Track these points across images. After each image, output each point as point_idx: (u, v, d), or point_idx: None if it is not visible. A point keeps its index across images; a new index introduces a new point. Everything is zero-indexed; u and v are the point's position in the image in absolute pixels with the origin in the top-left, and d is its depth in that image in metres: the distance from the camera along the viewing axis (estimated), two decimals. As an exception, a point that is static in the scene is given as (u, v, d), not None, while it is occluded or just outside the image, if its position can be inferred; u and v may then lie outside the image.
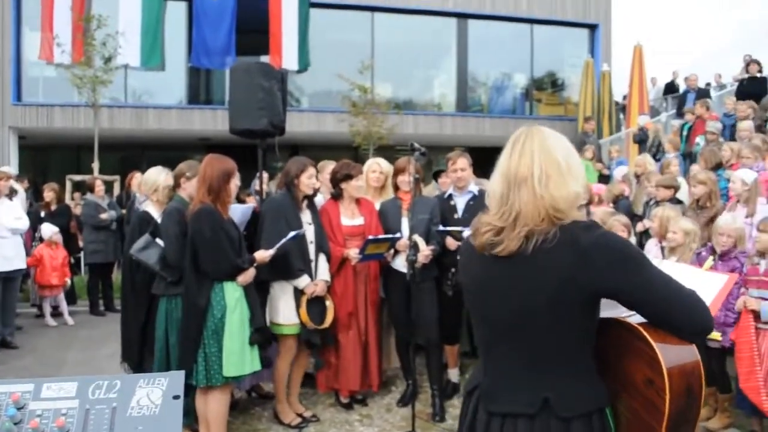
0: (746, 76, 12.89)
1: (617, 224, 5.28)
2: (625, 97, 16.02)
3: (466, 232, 4.49)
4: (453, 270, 4.95)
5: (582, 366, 1.71)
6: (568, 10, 18.29)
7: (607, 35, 18.49)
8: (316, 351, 4.74)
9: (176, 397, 1.62)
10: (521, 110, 18.67)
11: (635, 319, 1.72)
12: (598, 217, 6.12)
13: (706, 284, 2.53)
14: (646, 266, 1.65)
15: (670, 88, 16.06)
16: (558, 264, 1.63)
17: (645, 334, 1.63)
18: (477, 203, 4.99)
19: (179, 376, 1.67)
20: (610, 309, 1.75)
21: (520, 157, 1.74)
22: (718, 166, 7.01)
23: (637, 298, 1.63)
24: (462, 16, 17.79)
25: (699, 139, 9.24)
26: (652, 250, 5.16)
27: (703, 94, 13.38)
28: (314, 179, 4.69)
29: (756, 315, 4.19)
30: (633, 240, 5.68)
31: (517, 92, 18.96)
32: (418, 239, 4.68)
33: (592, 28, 18.62)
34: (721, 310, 4.44)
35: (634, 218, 6.47)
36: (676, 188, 6.37)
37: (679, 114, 12.11)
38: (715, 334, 2.51)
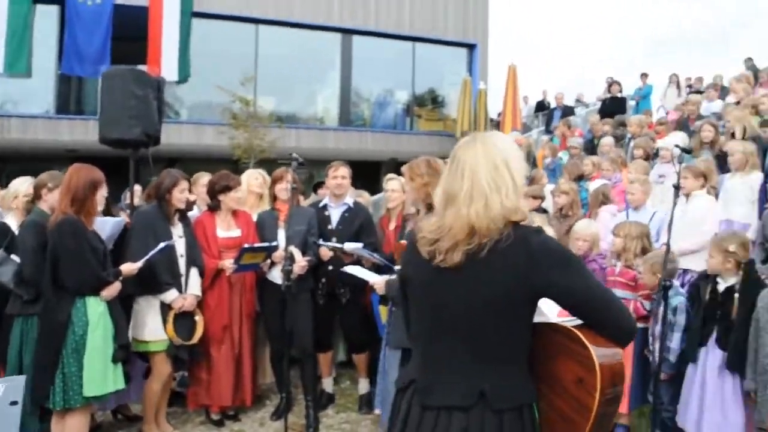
0: (608, 96, 13.91)
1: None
2: (499, 114, 16.79)
3: (348, 246, 4.56)
4: (324, 280, 4.98)
5: (518, 362, 1.81)
6: (449, 29, 18.98)
7: (484, 55, 19.33)
8: (183, 367, 4.57)
9: (14, 403, 1.55)
10: (402, 125, 19.12)
11: (568, 325, 1.82)
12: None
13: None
14: (582, 269, 1.80)
15: (541, 106, 17.02)
16: (509, 264, 1.72)
17: (580, 335, 1.74)
18: (351, 215, 5.06)
19: (18, 381, 1.59)
20: (541, 315, 1.86)
21: (454, 176, 1.83)
22: (579, 178, 7.50)
23: (579, 299, 1.75)
24: (347, 32, 18.00)
25: (562, 154, 9.86)
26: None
27: (568, 111, 14.30)
28: (186, 193, 4.56)
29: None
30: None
31: (398, 108, 19.40)
32: (294, 250, 4.65)
33: (471, 47, 19.41)
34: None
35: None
36: (543, 198, 6.74)
37: (548, 130, 12.84)
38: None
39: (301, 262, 4.69)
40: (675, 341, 4.15)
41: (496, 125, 16.58)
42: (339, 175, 5.06)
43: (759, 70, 11.61)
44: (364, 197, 6.06)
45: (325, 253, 4.88)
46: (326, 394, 5.38)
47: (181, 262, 4.50)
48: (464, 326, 1.78)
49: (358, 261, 4.72)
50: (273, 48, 17.20)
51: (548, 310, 1.84)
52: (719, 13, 66.29)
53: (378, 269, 4.50)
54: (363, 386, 5.32)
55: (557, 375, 1.78)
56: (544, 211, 6.56)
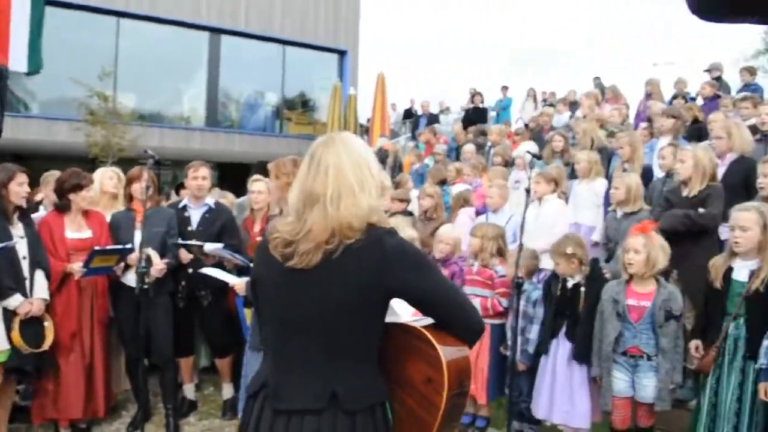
0: (471, 106, 14.51)
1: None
2: (368, 120, 17.03)
3: (207, 247, 4.42)
4: (183, 282, 4.81)
5: (369, 362, 1.80)
6: (320, 34, 19.01)
7: (354, 61, 19.55)
8: (27, 379, 4.21)
9: None
10: (272, 128, 18.90)
11: (417, 325, 1.83)
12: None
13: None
14: (437, 270, 1.86)
15: (408, 113, 17.46)
16: (365, 264, 1.70)
17: (429, 335, 1.76)
18: (212, 216, 4.92)
19: None
20: (394, 315, 1.86)
21: (316, 175, 1.78)
22: (443, 182, 7.76)
23: (430, 299, 1.78)
24: (215, 31, 17.53)
25: (428, 160, 10.18)
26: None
27: (433, 119, 14.78)
28: (26, 187, 4.20)
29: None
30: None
31: (268, 110, 19.15)
32: (152, 252, 4.45)
33: (341, 53, 19.56)
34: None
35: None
36: (408, 201, 6.92)
37: (414, 137, 13.17)
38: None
39: (159, 265, 4.49)
40: (534, 332, 4.43)
41: (366, 131, 16.80)
42: (199, 175, 4.90)
43: (605, 88, 12.62)
44: (228, 198, 5.91)
45: (185, 255, 4.71)
46: (188, 401, 5.17)
47: (24, 265, 4.15)
48: (317, 327, 1.75)
49: (219, 263, 4.59)
50: (135, 43, 16.39)
51: (402, 310, 1.85)
52: (571, 35, 71.46)
53: (241, 271, 4.40)
54: (227, 391, 5.17)
55: (407, 375, 1.81)
56: (410, 213, 6.72)
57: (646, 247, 3.79)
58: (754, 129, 5.92)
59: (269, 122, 19.08)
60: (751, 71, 10.43)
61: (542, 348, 4.36)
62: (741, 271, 3.55)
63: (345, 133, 1.90)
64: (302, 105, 19.68)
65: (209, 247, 4.45)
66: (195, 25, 17.10)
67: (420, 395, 1.76)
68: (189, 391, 5.22)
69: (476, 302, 4.60)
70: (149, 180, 4.48)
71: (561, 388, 4.21)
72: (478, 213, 6.42)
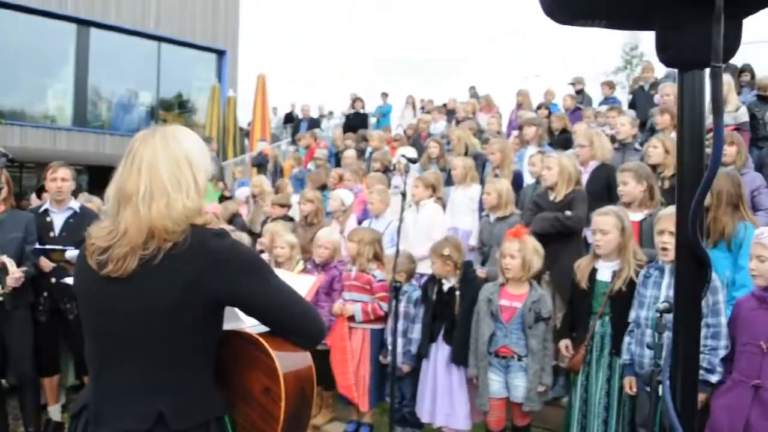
0: (352, 111, 14.62)
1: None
2: (249, 123, 16.74)
3: (70, 253, 4.13)
4: (45, 294, 4.49)
5: (200, 376, 1.67)
6: (197, 33, 18.43)
7: (233, 62, 19.13)
8: None
9: None
10: (146, 129, 18.06)
11: (255, 331, 1.74)
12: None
13: (297, 285, 2.75)
14: (271, 276, 1.71)
15: (289, 117, 17.31)
16: (186, 269, 1.58)
17: (264, 343, 1.67)
18: (77, 221, 4.62)
19: None
20: (233, 321, 1.76)
21: (129, 173, 1.64)
22: (323, 187, 7.76)
23: (262, 305, 1.68)
24: (83, 23, 16.51)
25: (310, 165, 10.14)
26: (264, 264, 5.42)
27: (314, 124, 14.76)
28: None
29: (350, 317, 4.71)
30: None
31: (142, 111, 18.31)
32: (7, 260, 4.11)
33: (220, 53, 19.07)
34: (328, 314, 4.89)
35: (253, 236, 6.73)
36: (289, 206, 6.85)
37: (294, 141, 13.09)
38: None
39: (15, 274, 4.14)
40: (416, 332, 4.51)
41: (246, 134, 16.49)
42: (58, 176, 4.59)
43: (480, 98, 13.14)
44: (94, 203, 5.58)
45: (46, 263, 4.39)
46: (53, 423, 4.80)
47: None
48: (137, 342, 1.61)
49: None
50: (-8, 32, 15.16)
51: (244, 316, 1.76)
52: (449, 47, 73.93)
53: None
54: None
55: (247, 385, 1.72)
56: (291, 219, 6.66)
57: (521, 252, 3.97)
58: (612, 138, 6.40)
59: (143, 123, 18.16)
60: (611, 85, 11.27)
61: (422, 352, 4.44)
62: (604, 272, 3.79)
63: (171, 127, 1.75)
64: (179, 106, 18.98)
65: (71, 253, 4.17)
66: (61, 15, 16.02)
67: (260, 406, 1.68)
68: (54, 412, 4.83)
69: (357, 307, 4.64)
70: (3, 181, 4.14)
71: (442, 391, 4.32)
72: (359, 219, 6.48)
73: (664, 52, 1.05)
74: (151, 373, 1.62)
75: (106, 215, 1.70)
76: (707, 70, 1.01)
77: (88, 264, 1.65)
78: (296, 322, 1.71)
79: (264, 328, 1.74)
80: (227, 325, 1.76)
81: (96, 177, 14.57)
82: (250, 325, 1.78)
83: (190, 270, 1.58)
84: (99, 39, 16.84)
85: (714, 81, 0.94)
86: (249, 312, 1.71)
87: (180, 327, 1.61)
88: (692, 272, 1.07)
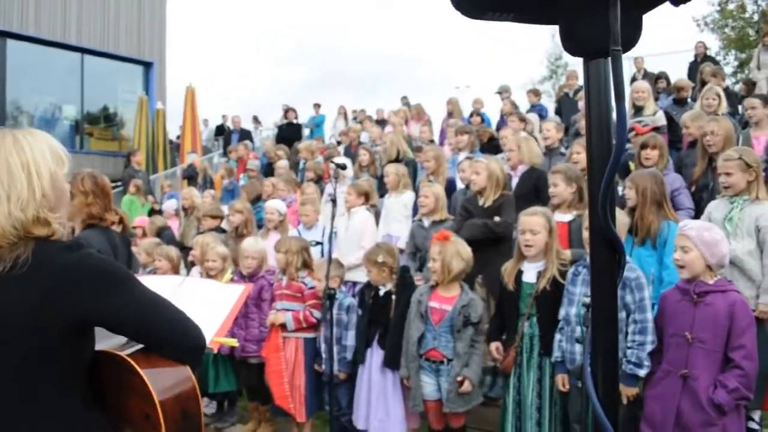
0: (285, 121, 14.50)
1: (163, 255, 5.31)
2: (178, 137, 16.41)
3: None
4: None
5: (71, 407, 1.51)
6: (121, 45, 17.91)
7: (161, 74, 18.67)
8: None
9: None
10: (71, 144, 17.39)
11: (127, 350, 1.59)
12: (143, 249, 6.05)
13: (225, 295, 2.67)
14: (131, 286, 1.54)
15: (220, 130, 17.06)
16: (29, 291, 1.41)
17: (134, 365, 1.51)
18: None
19: None
20: (107, 339, 1.61)
21: None
22: (257, 199, 7.65)
23: (123, 320, 1.51)
24: (-1, 34, 15.82)
25: (242, 177, 10.01)
26: (195, 275, 5.29)
27: (246, 135, 14.58)
28: None
29: (283, 326, 4.63)
30: (183, 272, 5.76)
31: (66, 125, 17.63)
32: None
33: (147, 65, 18.59)
34: (258, 326, 4.80)
35: (184, 249, 6.55)
36: (221, 218, 6.71)
37: (225, 153, 12.89)
38: (230, 341, 2.63)
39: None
40: (350, 339, 4.47)
41: (176, 147, 16.15)
42: None
43: (411, 107, 13.28)
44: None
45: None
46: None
47: None
48: None
49: None
50: None
51: (110, 335, 1.58)
52: (380, 59, 74.64)
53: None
54: None
55: (127, 409, 1.57)
56: (223, 231, 6.53)
57: (441, 254, 3.98)
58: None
59: (68, 138, 17.52)
60: (536, 93, 11.59)
61: (358, 357, 4.40)
62: (529, 273, 3.84)
63: (21, 131, 1.57)
64: (105, 119, 18.35)
65: None
66: (-26, 27, 15.32)
67: (143, 431, 1.54)
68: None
69: (288, 316, 4.58)
70: None
71: (376, 397, 4.28)
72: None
73: (569, 42, 1.08)
74: (10, 410, 1.45)
75: None
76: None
77: None
78: (167, 335, 1.55)
79: (133, 348, 1.58)
80: (100, 345, 1.60)
81: (16, 194, 13.92)
82: (113, 345, 1.62)
83: (34, 293, 1.41)
84: (17, 51, 16.14)
85: (614, 64, 0.95)
86: (112, 330, 1.54)
87: (28, 357, 1.43)
88: (606, 258, 1.08)
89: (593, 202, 1.06)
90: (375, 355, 4.34)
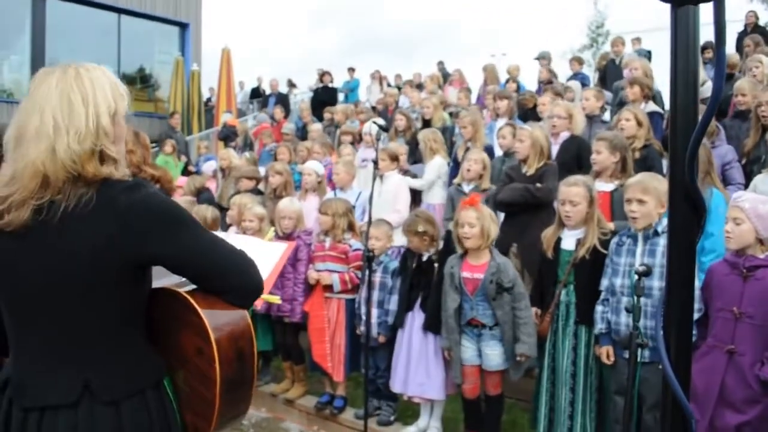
0: (320, 85, 14.44)
1: (199, 216, 5.34)
2: (208, 99, 16.45)
3: None
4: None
5: (127, 342, 1.54)
6: (158, 5, 17.92)
7: (197, 35, 18.67)
8: None
9: None
10: (108, 104, 17.58)
11: (186, 288, 1.60)
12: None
13: (269, 252, 2.67)
14: (192, 228, 1.54)
15: (255, 92, 17.02)
16: (93, 230, 1.42)
17: (192, 301, 1.53)
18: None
19: None
20: (163, 278, 1.63)
21: (26, 112, 1.47)
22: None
23: (183, 261, 1.53)
24: (38, -6, 15.93)
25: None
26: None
27: (282, 98, 14.54)
28: None
29: (327, 287, 4.64)
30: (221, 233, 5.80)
31: (103, 85, 17.78)
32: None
33: (183, 26, 18.59)
34: (292, 286, 4.83)
35: (223, 210, 6.59)
36: (258, 179, 6.73)
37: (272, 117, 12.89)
38: (273, 297, 2.63)
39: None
40: (393, 303, 4.43)
41: (211, 109, 16.20)
42: None
43: (449, 73, 13.08)
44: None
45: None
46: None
47: None
48: (48, 308, 1.47)
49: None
50: (-60, 3, 14.53)
51: (167, 273, 1.59)
52: (416, 26, 73.67)
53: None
54: None
55: (181, 346, 1.59)
56: (260, 192, 6.55)
57: (480, 220, 3.90)
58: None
59: (104, 97, 17.69)
60: (579, 61, 11.30)
61: (398, 322, 4.37)
62: (568, 240, 3.77)
63: (81, 64, 1.55)
64: (141, 80, 18.44)
65: None
66: (14, -15, 15.44)
67: (195, 368, 1.56)
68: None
69: (335, 277, 4.60)
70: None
71: (416, 360, 4.23)
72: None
73: (659, -13, 1.01)
74: (70, 342, 1.49)
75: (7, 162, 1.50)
76: (700, 6, 0.98)
77: None
78: (225, 277, 1.56)
79: (191, 286, 1.60)
80: (156, 282, 1.63)
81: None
82: (171, 283, 1.64)
83: (99, 232, 1.43)
84: (56, 10, 16.25)
85: (717, 6, 0.89)
86: (173, 270, 1.57)
87: (96, 291, 1.47)
88: (686, 216, 1.02)
89: (675, 156, 1.01)
90: (417, 319, 4.28)
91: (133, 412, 1.50)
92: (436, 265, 4.28)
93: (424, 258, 4.34)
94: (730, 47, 10.44)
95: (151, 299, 1.61)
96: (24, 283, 1.47)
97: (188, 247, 1.52)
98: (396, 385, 4.34)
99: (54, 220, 1.42)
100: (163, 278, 1.65)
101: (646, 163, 4.63)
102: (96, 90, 1.51)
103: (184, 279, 1.63)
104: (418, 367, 4.23)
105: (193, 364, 1.57)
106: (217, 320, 1.53)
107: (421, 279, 4.32)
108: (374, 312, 4.38)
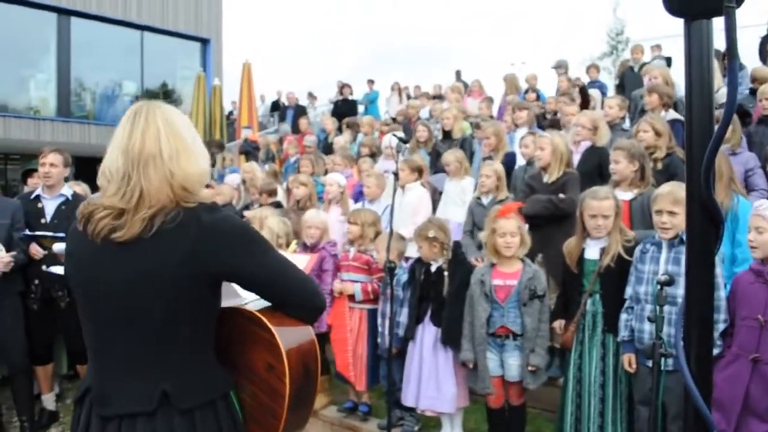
0: (340, 98, 14.54)
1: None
2: (231, 113, 16.61)
3: (57, 246, 4.04)
4: (37, 281, 4.41)
5: (202, 354, 1.65)
6: (180, 22, 18.21)
7: (218, 50, 18.94)
8: None
9: None
10: (132, 120, 17.83)
11: (253, 307, 1.71)
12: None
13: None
14: (266, 248, 1.68)
15: (276, 105, 17.17)
16: (178, 245, 1.55)
17: (264, 319, 1.64)
18: (70, 208, 4.51)
19: None
20: (230, 298, 1.73)
21: (144, 133, 1.61)
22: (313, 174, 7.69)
23: (258, 278, 1.65)
24: (63, 12, 16.25)
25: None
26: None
27: (300, 111, 14.66)
28: None
29: (350, 297, 4.67)
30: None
31: (126, 101, 18.08)
32: (-6, 246, 4.04)
33: (204, 42, 18.86)
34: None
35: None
36: (272, 192, 6.78)
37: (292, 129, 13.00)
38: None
39: (4, 258, 4.07)
40: (403, 315, 4.42)
41: (233, 123, 16.36)
42: (47, 161, 4.49)
43: (467, 84, 13.09)
44: (81, 187, 5.50)
45: (36, 250, 4.31)
46: (48, 412, 4.74)
47: None
48: (133, 318, 1.58)
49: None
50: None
51: (243, 291, 1.74)
52: (434, 36, 73.75)
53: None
54: None
55: (249, 362, 1.69)
56: (279, 205, 6.60)
57: (520, 229, 3.95)
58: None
59: (128, 114, 17.95)
60: (597, 68, 11.24)
61: (408, 334, 4.35)
62: (592, 250, 3.76)
63: (159, 103, 1.73)
64: (164, 95, 18.73)
65: (59, 246, 4.08)
66: (40, 4, 15.75)
67: (264, 383, 1.66)
68: (49, 401, 4.78)
69: (357, 287, 4.62)
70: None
71: (427, 374, 4.21)
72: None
73: (671, 2, 1.03)
74: (150, 352, 1.59)
75: (106, 184, 1.63)
76: (714, 20, 1.00)
77: (83, 232, 1.60)
78: (296, 295, 1.68)
79: (263, 304, 1.71)
80: (225, 303, 1.73)
81: (82, 167, 14.39)
82: (248, 300, 1.75)
83: (181, 246, 1.55)
84: (80, 28, 16.60)
85: (728, 20, 0.91)
86: (247, 286, 1.68)
87: (177, 304, 1.57)
88: (704, 229, 1.04)
89: (692, 168, 1.02)
90: (427, 331, 4.27)
91: (205, 420, 1.59)
92: (446, 274, 4.27)
93: (433, 268, 4.34)
94: (754, 53, 10.29)
95: (218, 318, 1.71)
96: (115, 294, 1.58)
97: (263, 264, 1.65)
98: (408, 399, 4.30)
99: (148, 235, 1.55)
100: (227, 299, 1.75)
101: (669, 171, 4.59)
102: (192, 129, 1.74)
103: (245, 300, 1.74)
104: (429, 381, 4.19)
105: (261, 380, 1.67)
106: (288, 337, 1.64)
107: (431, 290, 4.30)
108: (386, 324, 4.37)
